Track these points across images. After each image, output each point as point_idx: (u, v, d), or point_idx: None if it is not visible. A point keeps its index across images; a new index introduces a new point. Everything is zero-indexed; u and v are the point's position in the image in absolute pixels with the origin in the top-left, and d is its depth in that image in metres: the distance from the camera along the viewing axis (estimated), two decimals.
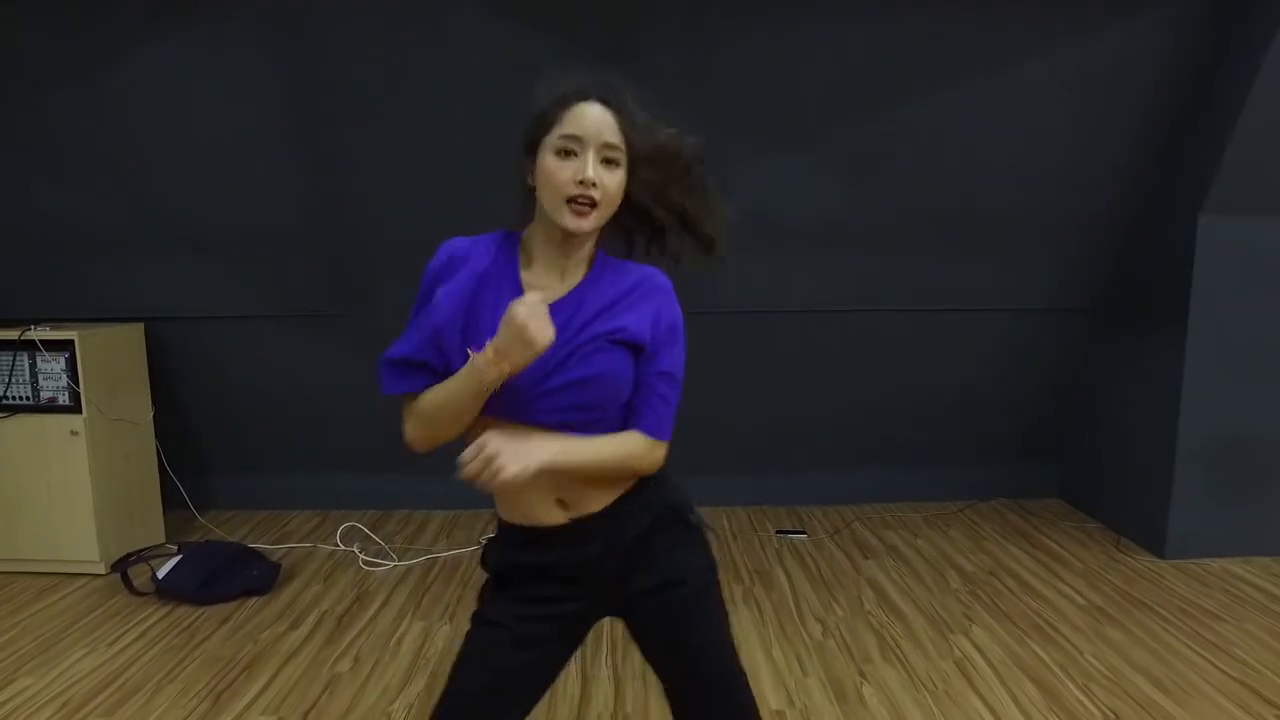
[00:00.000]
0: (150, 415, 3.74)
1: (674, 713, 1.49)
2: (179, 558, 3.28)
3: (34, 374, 3.35)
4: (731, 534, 3.86)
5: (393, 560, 3.55)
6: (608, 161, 1.31)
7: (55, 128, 3.32)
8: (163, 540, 3.72)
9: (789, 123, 3.38)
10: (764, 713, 2.36)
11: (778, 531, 3.87)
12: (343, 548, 3.69)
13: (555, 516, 1.38)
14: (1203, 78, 3.19)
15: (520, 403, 1.32)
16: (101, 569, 3.42)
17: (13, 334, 3.30)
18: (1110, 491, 3.92)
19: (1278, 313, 3.37)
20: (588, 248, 1.39)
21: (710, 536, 1.53)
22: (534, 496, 1.36)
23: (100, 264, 3.65)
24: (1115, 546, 3.66)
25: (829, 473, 4.23)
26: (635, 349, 1.35)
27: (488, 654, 1.40)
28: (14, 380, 3.33)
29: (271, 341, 3.88)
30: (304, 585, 3.34)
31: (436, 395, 1.32)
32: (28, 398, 3.35)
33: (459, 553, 3.62)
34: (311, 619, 3.05)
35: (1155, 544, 3.56)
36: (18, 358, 3.32)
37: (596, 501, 1.39)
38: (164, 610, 3.11)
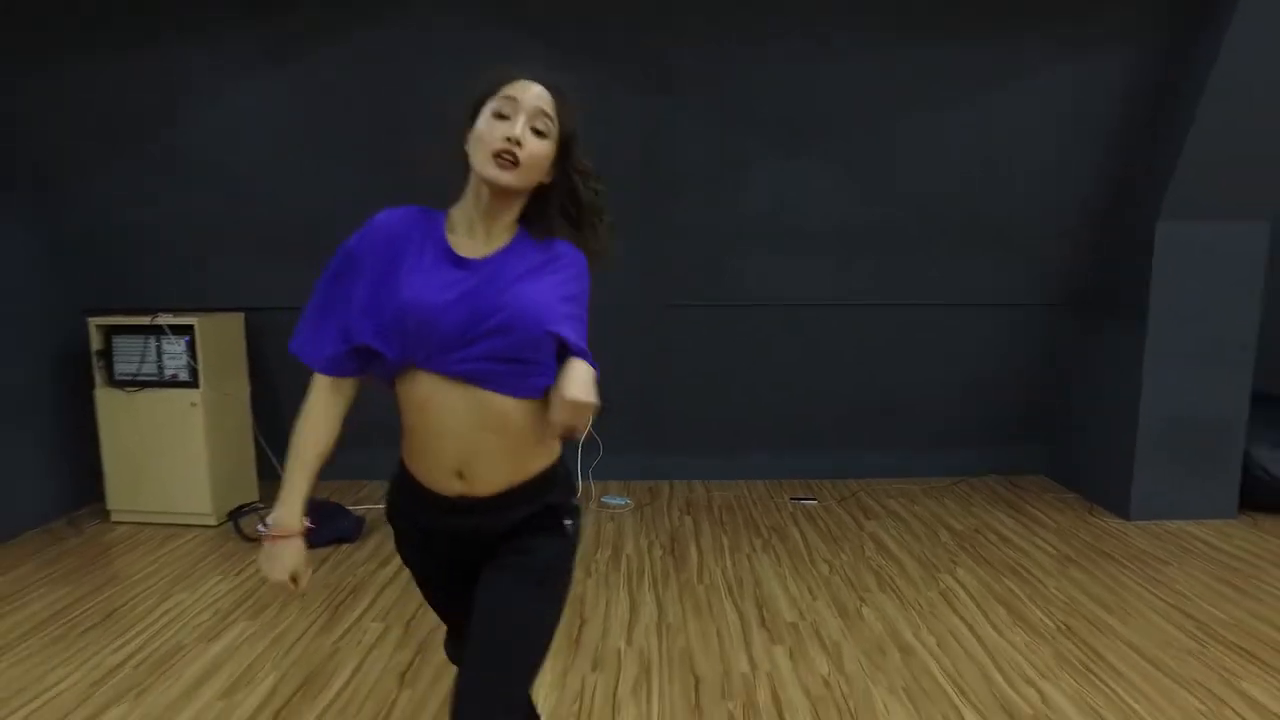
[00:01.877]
0: (248, 393, 4.32)
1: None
2: None
3: (159, 354, 3.94)
4: (752, 501, 4.40)
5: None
6: (537, 132, 1.41)
7: (177, 148, 3.92)
8: (258, 499, 4.29)
9: (803, 134, 3.94)
10: (780, 625, 2.93)
11: (792, 499, 4.41)
12: None
13: (452, 487, 1.45)
14: (1158, 106, 3.73)
15: (441, 355, 1.39)
16: (213, 521, 4.00)
17: (144, 319, 3.90)
18: (1085, 466, 4.44)
19: (1226, 308, 3.88)
20: (510, 215, 1.47)
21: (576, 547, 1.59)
22: (440, 463, 1.45)
23: (208, 262, 4.24)
24: (1089, 512, 4.18)
25: (838, 451, 4.76)
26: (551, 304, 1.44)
27: (430, 589, 1.64)
28: (144, 359, 3.93)
29: None
30: (385, 536, 3.90)
31: (296, 434, 1.52)
32: (154, 374, 3.95)
33: None
34: (397, 560, 3.60)
35: (1121, 508, 4.08)
36: (147, 340, 3.92)
37: (489, 484, 1.45)
38: None
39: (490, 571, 1.48)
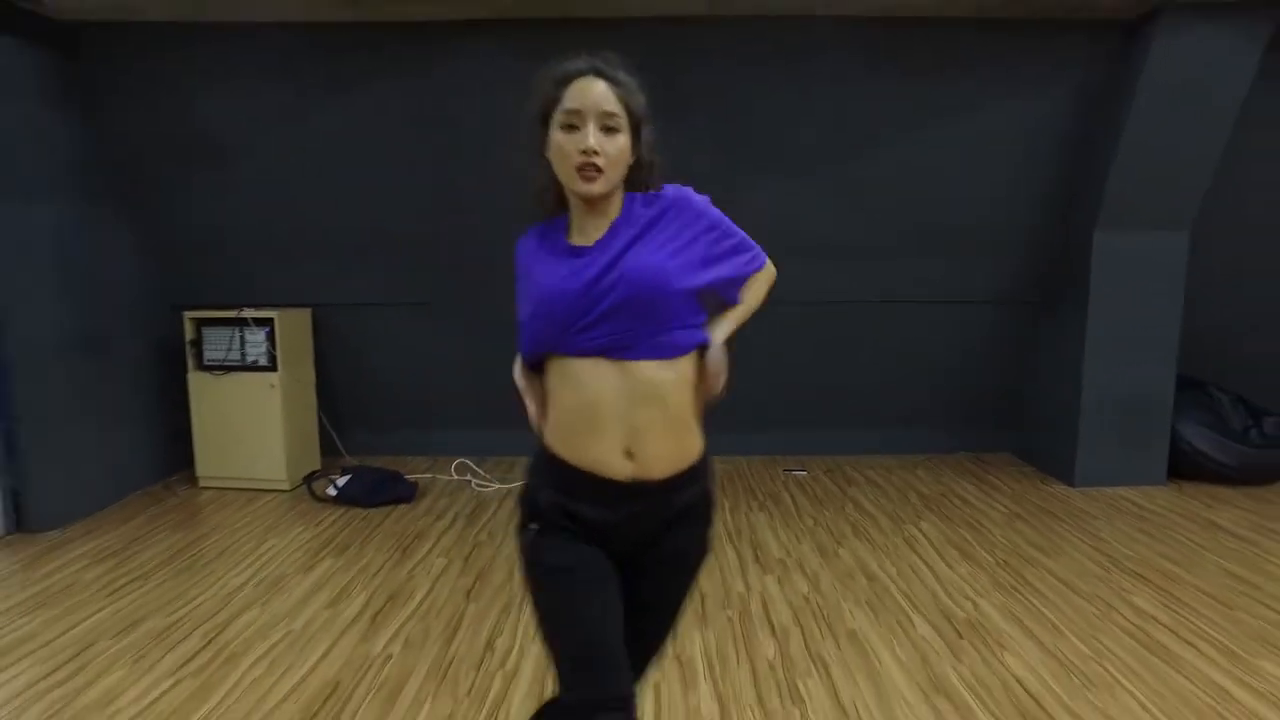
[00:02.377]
0: (313, 379, 5.00)
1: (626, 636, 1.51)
2: (349, 476, 4.54)
3: (243, 343, 4.62)
4: (750, 472, 5.06)
5: (496, 484, 4.79)
6: (608, 129, 1.46)
7: (255, 171, 4.60)
8: (320, 468, 4.96)
9: (793, 156, 4.60)
10: (770, 560, 3.59)
11: (784, 470, 5.08)
12: (456, 478, 4.93)
13: (624, 469, 1.46)
14: (1091, 137, 4.40)
15: (576, 335, 1.46)
16: (286, 486, 4.67)
17: (231, 313, 4.58)
18: (1040, 443, 5.10)
19: (1153, 304, 4.54)
20: (611, 203, 1.53)
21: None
22: (609, 444, 1.46)
23: (279, 266, 4.91)
24: (1041, 481, 4.84)
25: (826, 431, 5.42)
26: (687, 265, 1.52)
27: (579, 597, 1.48)
28: (230, 347, 4.61)
29: (396, 324, 5.13)
30: (435, 499, 4.58)
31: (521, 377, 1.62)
32: (238, 360, 4.62)
33: None
34: (449, 516, 4.28)
35: (1068, 477, 4.74)
36: (232, 331, 4.60)
37: (658, 464, 1.48)
38: (340, 511, 4.35)
39: (655, 563, 1.55)
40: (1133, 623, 3.03)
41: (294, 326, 4.78)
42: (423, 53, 4.24)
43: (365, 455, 5.27)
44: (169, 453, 4.83)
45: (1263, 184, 4.75)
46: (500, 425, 4.79)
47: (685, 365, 1.52)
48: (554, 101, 1.47)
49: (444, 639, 2.94)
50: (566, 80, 1.47)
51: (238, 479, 4.70)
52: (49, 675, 2.70)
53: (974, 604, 3.20)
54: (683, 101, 4.34)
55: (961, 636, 2.95)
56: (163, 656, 2.81)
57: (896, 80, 4.33)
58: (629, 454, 1.46)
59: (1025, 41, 4.18)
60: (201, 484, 4.72)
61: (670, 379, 1.49)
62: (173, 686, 2.63)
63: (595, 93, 1.45)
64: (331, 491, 4.51)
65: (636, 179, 1.54)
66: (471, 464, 5.10)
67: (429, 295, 5.04)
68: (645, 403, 1.46)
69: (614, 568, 1.52)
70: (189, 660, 2.78)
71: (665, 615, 1.62)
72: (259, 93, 4.39)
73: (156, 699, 2.56)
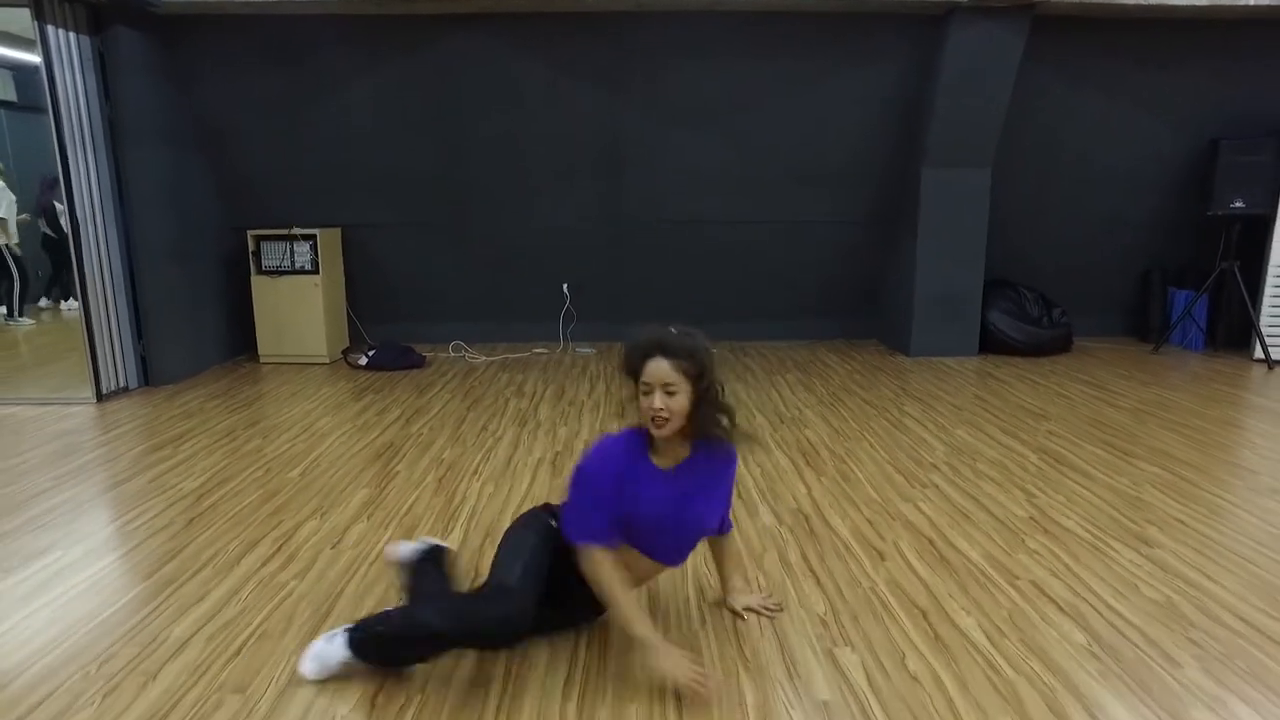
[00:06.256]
0: (344, 281, 6.59)
1: None
2: (374, 350, 6.17)
3: (292, 253, 6.19)
4: None
5: (483, 357, 6.44)
6: (670, 393, 2.03)
7: (304, 121, 6.13)
8: (350, 344, 6.58)
9: (706, 111, 6.19)
10: None
11: None
12: (453, 354, 6.58)
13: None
14: (919, 98, 6.01)
15: (658, 552, 2.23)
16: (327, 360, 6.30)
17: (283, 231, 6.14)
18: (890, 327, 6.80)
19: (965, 223, 6.20)
20: (683, 437, 2.13)
21: None
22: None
23: (318, 195, 6.47)
24: (888, 354, 6.55)
25: (733, 322, 7.09)
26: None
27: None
28: (284, 256, 6.18)
29: (405, 240, 6.71)
30: (439, 367, 6.21)
31: (606, 585, 2.08)
32: (290, 266, 6.20)
33: (513, 357, 6.50)
34: (450, 374, 5.93)
35: (905, 350, 6.46)
36: (284, 245, 6.17)
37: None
38: (370, 375, 5.98)
39: None
40: (893, 417, 4.74)
41: (330, 241, 6.36)
42: (431, 38, 5.78)
43: (381, 340, 6.89)
44: (236, 337, 6.44)
45: (1052, 136, 6.39)
46: (483, 318, 6.47)
47: None
48: (636, 372, 2.10)
49: (455, 424, 4.62)
50: (644, 359, 2.07)
51: (290, 355, 6.32)
52: (213, 444, 4.33)
53: (799, 410, 4.90)
54: (621, 73, 5.92)
55: (783, 422, 4.65)
56: (279, 437, 4.45)
57: (775, 57, 5.92)
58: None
59: (864, 27, 5.77)
60: (263, 360, 6.33)
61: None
62: (290, 444, 4.27)
63: (660, 370, 2.04)
64: (362, 361, 6.14)
65: (699, 416, 2.10)
66: (464, 344, 6.75)
67: (430, 218, 6.62)
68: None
69: None
70: (293, 443, 4.42)
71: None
72: (305, 68, 5.92)
73: (285, 449, 4.20)
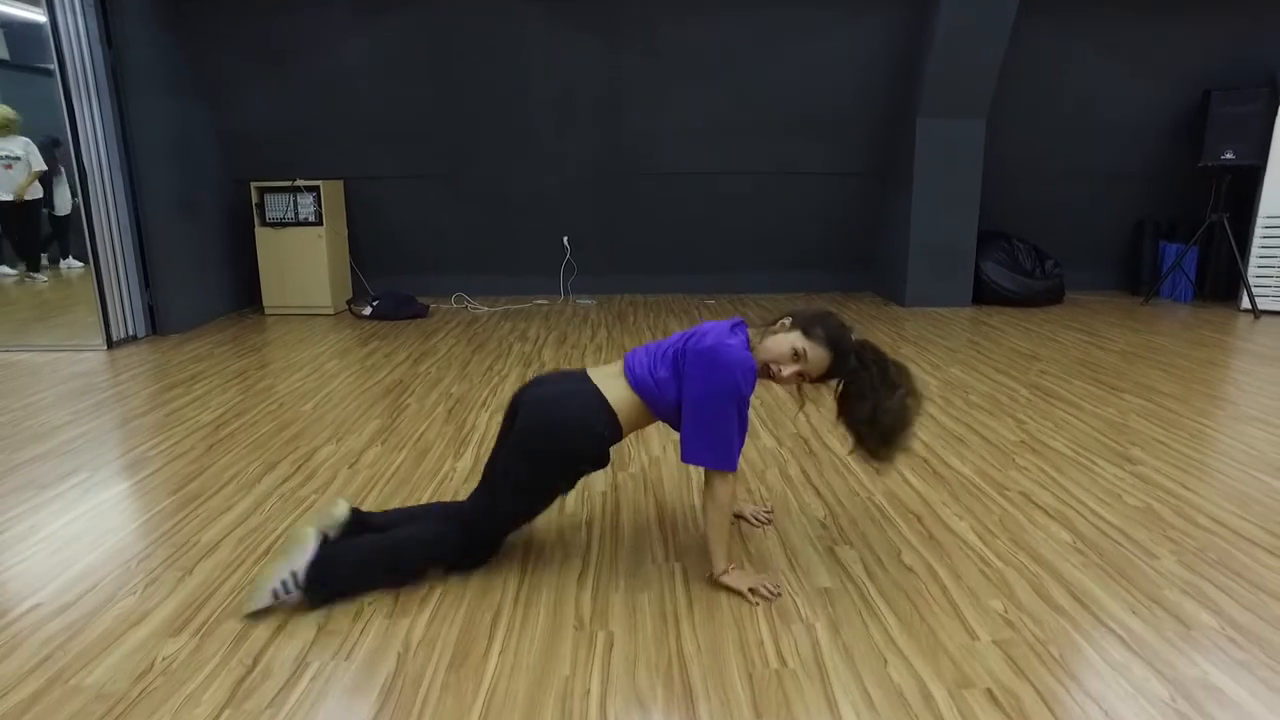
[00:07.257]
0: (346, 232, 6.67)
1: None
2: (378, 300, 6.26)
3: (296, 205, 6.26)
4: (672, 302, 6.83)
5: (485, 308, 6.54)
6: (806, 377, 2.19)
7: (305, 76, 6.17)
8: (353, 295, 6.67)
9: (705, 63, 6.25)
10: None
11: (700, 300, 6.86)
12: (455, 305, 6.67)
13: None
14: (916, 52, 6.08)
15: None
16: (330, 310, 6.39)
17: (286, 183, 6.21)
18: (886, 278, 6.91)
19: (959, 174, 6.30)
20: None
21: None
22: None
23: (321, 148, 6.53)
24: (883, 304, 6.67)
25: (730, 274, 7.19)
26: None
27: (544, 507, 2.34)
28: (288, 208, 6.25)
29: (405, 192, 6.78)
30: (442, 316, 6.31)
31: (727, 515, 2.19)
32: (294, 218, 6.27)
33: (515, 308, 6.60)
34: (454, 322, 6.04)
35: (900, 300, 6.57)
36: (288, 196, 6.23)
37: None
38: (375, 324, 6.08)
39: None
40: None
41: (333, 193, 6.42)
42: None
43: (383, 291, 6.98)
44: (241, 289, 6.52)
45: (1047, 88, 6.46)
46: (484, 270, 6.55)
47: None
48: (815, 340, 2.18)
49: (461, 365, 4.73)
50: (834, 349, 2.18)
51: (294, 306, 6.41)
52: (225, 383, 4.44)
53: None
54: (620, 24, 5.98)
55: None
56: (290, 376, 4.56)
57: (773, 8, 5.97)
58: None
59: None
60: (268, 311, 6.42)
61: None
62: (301, 383, 4.39)
63: (822, 367, 2.18)
64: (367, 310, 6.23)
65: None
66: (465, 295, 6.85)
67: (429, 170, 6.69)
68: None
69: None
70: (306, 379, 4.53)
71: None
72: (306, 19, 5.95)
73: (297, 386, 4.31)
